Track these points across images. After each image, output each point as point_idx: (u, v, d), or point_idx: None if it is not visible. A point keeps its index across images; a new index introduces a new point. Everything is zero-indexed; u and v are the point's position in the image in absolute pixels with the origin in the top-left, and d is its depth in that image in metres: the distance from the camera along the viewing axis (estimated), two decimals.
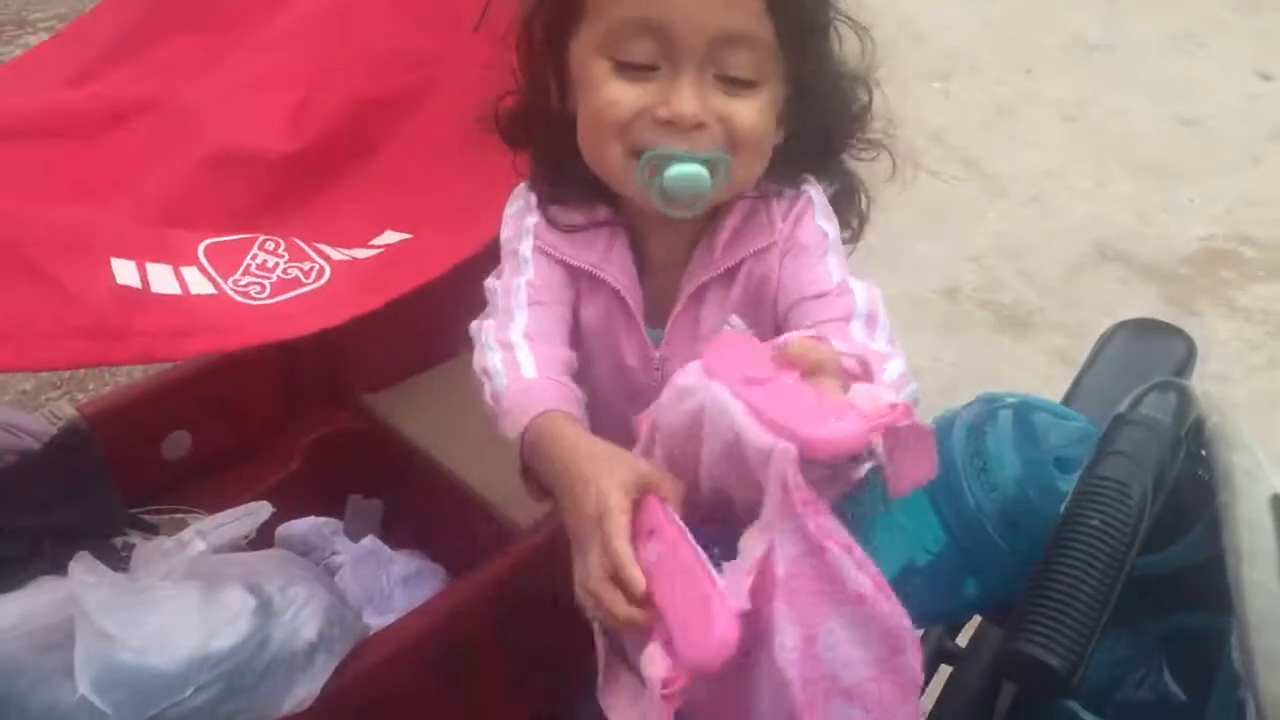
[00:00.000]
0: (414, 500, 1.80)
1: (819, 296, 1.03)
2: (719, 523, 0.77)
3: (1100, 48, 3.75)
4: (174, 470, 1.64)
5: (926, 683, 0.95)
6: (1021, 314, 2.74)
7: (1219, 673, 0.64)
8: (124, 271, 0.96)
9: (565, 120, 1.05)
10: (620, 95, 0.97)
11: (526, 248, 1.09)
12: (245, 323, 0.96)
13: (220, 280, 0.98)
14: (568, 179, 1.09)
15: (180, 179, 1.16)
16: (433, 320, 1.82)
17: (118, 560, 1.23)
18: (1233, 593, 0.61)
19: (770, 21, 0.96)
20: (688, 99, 0.96)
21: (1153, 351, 1.00)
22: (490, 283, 1.11)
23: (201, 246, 1.00)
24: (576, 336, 1.11)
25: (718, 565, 0.71)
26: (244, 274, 1.00)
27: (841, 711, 0.65)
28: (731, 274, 1.09)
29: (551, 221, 1.09)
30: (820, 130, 1.07)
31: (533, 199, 1.11)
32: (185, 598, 1.10)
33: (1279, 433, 2.41)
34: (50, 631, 1.08)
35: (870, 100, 1.08)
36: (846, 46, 1.06)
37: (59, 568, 1.14)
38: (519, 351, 1.03)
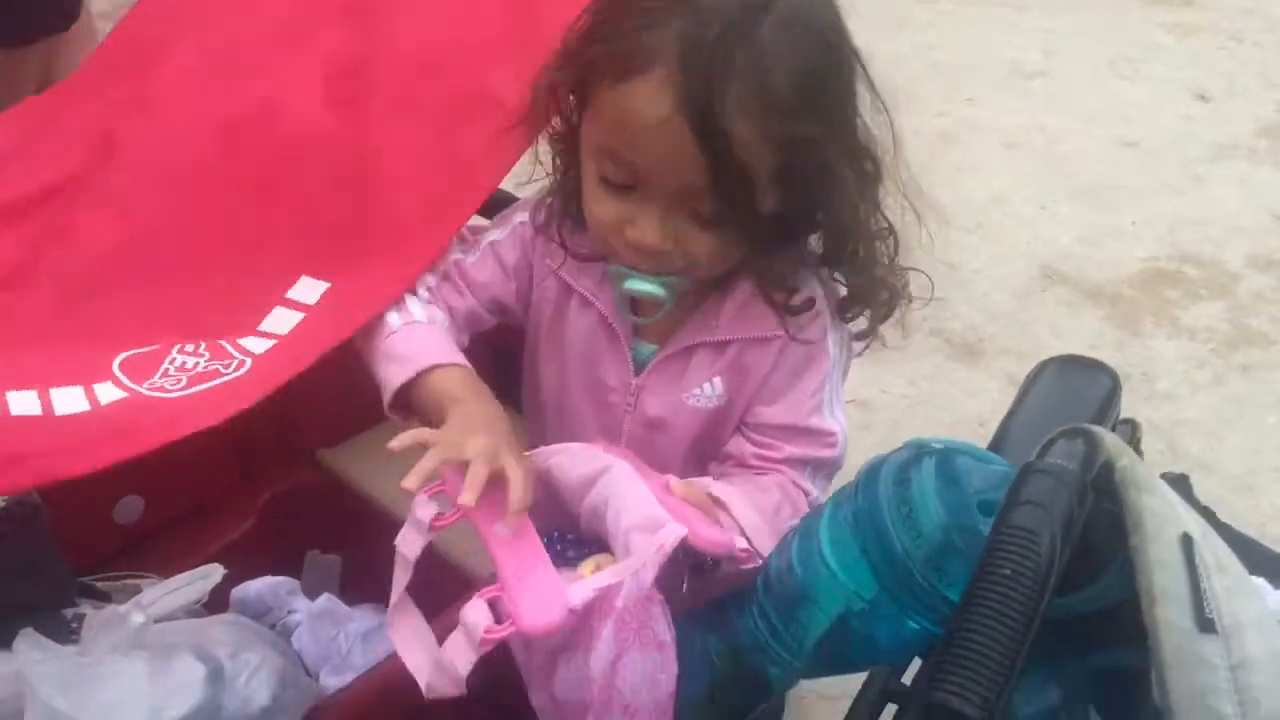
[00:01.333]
0: (373, 554, 1.79)
1: (797, 431, 1.12)
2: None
3: (1039, 75, 3.83)
4: (127, 535, 1.63)
5: None
6: (972, 341, 2.78)
7: (1144, 711, 0.66)
8: (21, 402, 0.95)
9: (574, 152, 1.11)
10: (601, 209, 1.04)
11: (496, 235, 1.21)
12: (158, 418, 0.95)
13: (134, 385, 0.98)
14: (557, 206, 1.16)
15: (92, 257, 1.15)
16: None
17: (68, 632, 1.22)
18: (1148, 632, 0.63)
19: (723, 177, 0.97)
20: (649, 230, 1.01)
21: (1077, 389, 1.02)
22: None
23: (116, 361, 1.00)
24: (535, 339, 1.23)
25: (564, 560, 0.93)
26: (161, 376, 1.00)
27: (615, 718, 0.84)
28: (724, 345, 1.14)
29: (564, 245, 1.17)
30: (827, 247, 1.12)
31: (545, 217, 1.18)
32: (134, 669, 1.10)
33: (1228, 450, 2.46)
34: None
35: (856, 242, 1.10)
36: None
37: (8, 644, 1.13)
38: (412, 300, 1.14)
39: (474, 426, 0.98)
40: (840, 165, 1.01)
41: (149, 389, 0.97)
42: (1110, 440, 0.68)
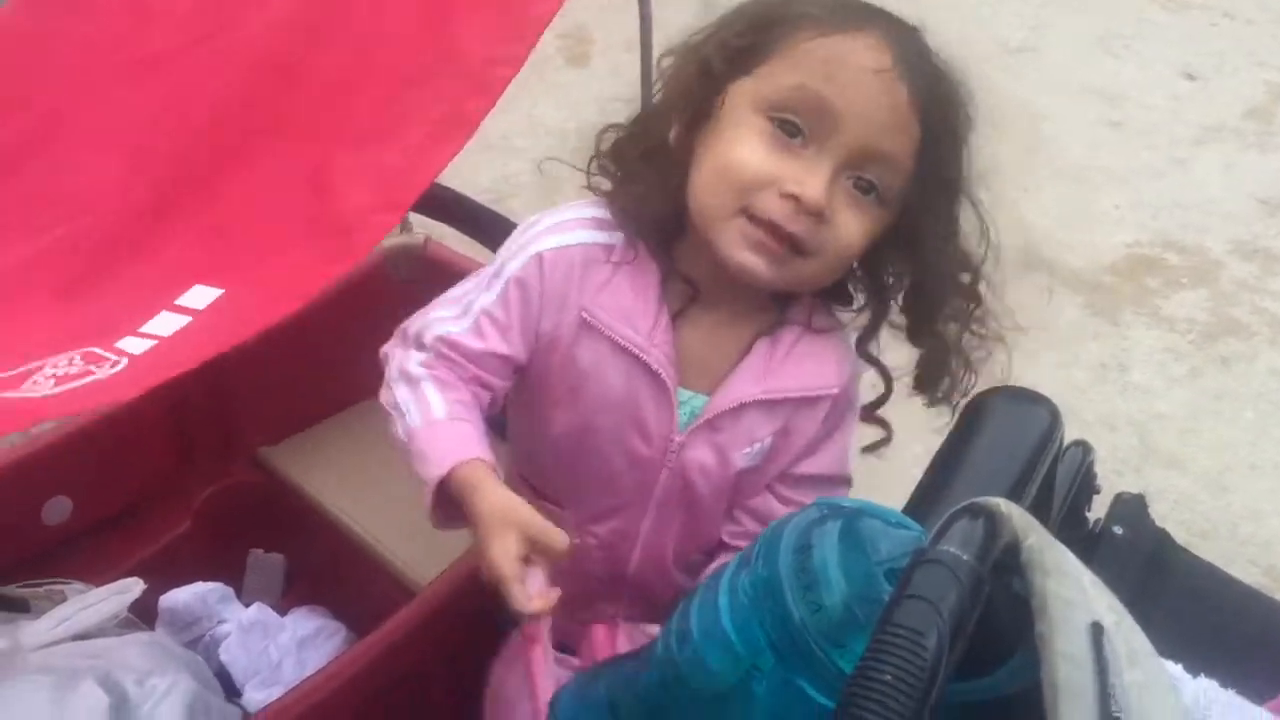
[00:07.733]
0: (316, 555, 1.76)
1: (831, 480, 1.15)
2: None
3: (1027, 50, 3.75)
4: (56, 536, 1.58)
5: None
6: None
7: None
8: None
9: (667, 158, 1.06)
10: (758, 159, 0.98)
11: (513, 267, 1.09)
12: (19, 411, 0.89)
13: None
14: (646, 216, 1.07)
15: None
16: (330, 368, 1.78)
17: None
18: None
19: (915, 157, 1.01)
20: (821, 187, 0.96)
21: (1014, 428, 0.97)
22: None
23: None
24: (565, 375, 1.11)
25: None
26: (29, 386, 0.94)
27: None
28: (776, 404, 1.10)
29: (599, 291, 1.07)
30: (919, 289, 1.12)
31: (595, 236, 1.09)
32: (36, 696, 1.06)
33: (1201, 446, 2.41)
34: None
35: (973, 281, 1.12)
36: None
37: None
38: (424, 387, 1.07)
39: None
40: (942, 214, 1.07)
41: (12, 393, 0.91)
42: (1017, 517, 0.63)
